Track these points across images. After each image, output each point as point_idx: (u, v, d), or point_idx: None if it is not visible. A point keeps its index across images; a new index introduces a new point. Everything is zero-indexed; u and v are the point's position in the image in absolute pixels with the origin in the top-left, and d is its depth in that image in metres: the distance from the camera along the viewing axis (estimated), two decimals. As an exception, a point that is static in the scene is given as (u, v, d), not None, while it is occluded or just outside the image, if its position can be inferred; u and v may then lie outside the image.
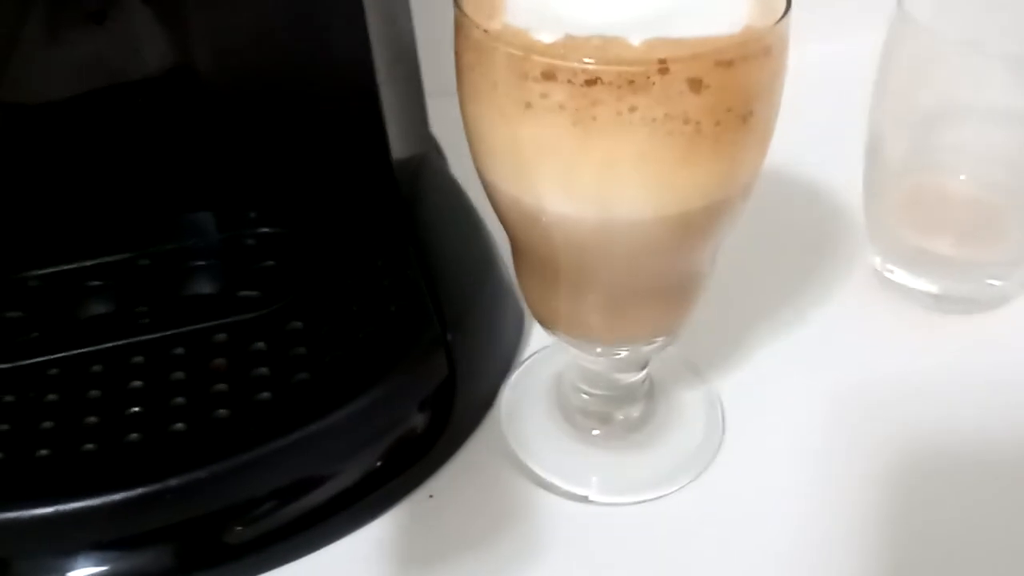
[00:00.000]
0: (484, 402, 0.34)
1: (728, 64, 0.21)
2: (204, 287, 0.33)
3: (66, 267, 0.34)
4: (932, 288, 0.37)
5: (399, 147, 0.35)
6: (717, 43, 0.22)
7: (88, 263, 0.34)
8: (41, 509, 0.26)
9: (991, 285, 0.37)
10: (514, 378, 0.35)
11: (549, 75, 0.22)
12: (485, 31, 0.23)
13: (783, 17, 0.22)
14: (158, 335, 0.31)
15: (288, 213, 0.35)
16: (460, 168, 0.39)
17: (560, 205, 0.24)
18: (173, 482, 0.27)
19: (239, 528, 0.29)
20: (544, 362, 0.35)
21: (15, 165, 0.33)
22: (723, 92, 0.22)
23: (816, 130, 0.41)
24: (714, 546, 0.29)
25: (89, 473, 0.27)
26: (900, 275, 0.38)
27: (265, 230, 0.35)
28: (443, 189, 0.39)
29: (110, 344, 0.31)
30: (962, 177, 0.36)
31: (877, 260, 0.39)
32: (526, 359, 0.36)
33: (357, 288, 0.33)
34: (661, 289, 0.27)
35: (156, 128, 0.34)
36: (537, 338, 0.36)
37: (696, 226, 0.24)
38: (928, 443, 0.32)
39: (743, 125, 0.23)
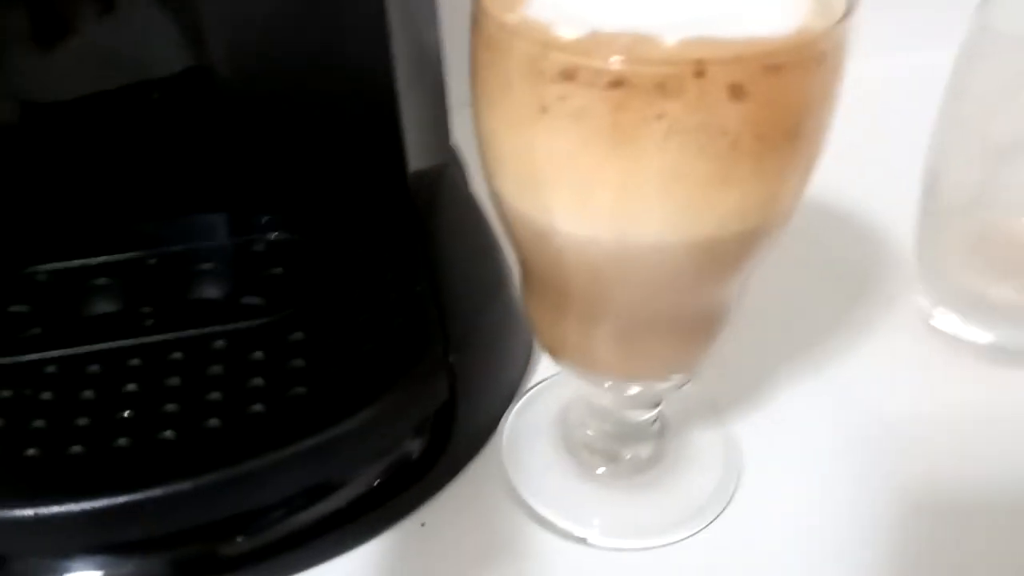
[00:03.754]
0: (485, 429, 0.31)
1: (776, 70, 0.19)
2: (210, 291, 0.32)
3: (74, 263, 0.33)
4: (986, 337, 0.34)
5: (417, 157, 0.34)
6: (764, 45, 0.19)
7: (95, 260, 0.33)
8: (23, 510, 0.25)
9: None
10: (518, 406, 0.32)
11: (568, 75, 0.19)
12: (501, 24, 0.20)
13: (843, 19, 0.19)
14: (157, 339, 0.30)
15: (300, 220, 0.34)
16: (481, 182, 0.37)
17: (573, 224, 0.21)
18: (157, 493, 0.25)
19: (222, 545, 0.27)
20: (551, 392, 0.33)
21: (29, 159, 0.33)
22: (768, 102, 0.19)
23: (867, 154, 0.38)
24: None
25: (74, 477, 0.26)
26: (950, 321, 0.35)
27: (275, 236, 0.34)
28: (460, 203, 0.38)
29: (109, 345, 0.30)
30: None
31: (925, 303, 0.36)
32: (532, 387, 0.33)
33: (363, 301, 0.31)
34: (681, 322, 0.24)
35: (170, 127, 0.33)
36: (545, 366, 0.34)
37: (726, 255, 0.22)
38: (963, 504, 0.29)
39: (788, 142, 0.20)
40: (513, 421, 0.32)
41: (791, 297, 0.37)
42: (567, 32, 0.20)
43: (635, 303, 0.23)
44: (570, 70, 0.19)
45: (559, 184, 0.21)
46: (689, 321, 0.24)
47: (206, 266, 0.33)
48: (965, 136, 0.32)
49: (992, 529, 0.28)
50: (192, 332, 0.30)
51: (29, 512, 0.25)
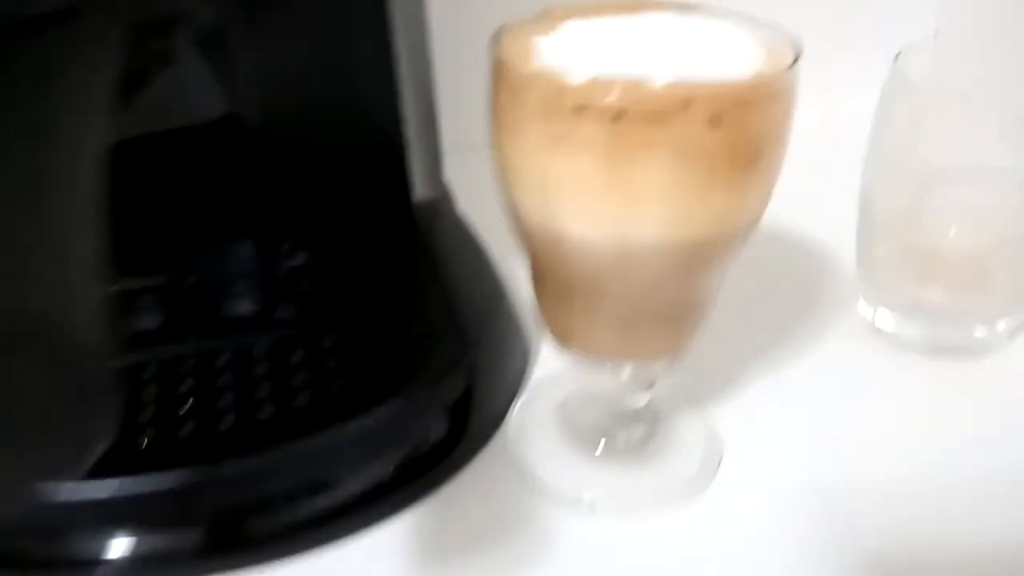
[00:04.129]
0: (496, 417, 0.36)
1: (743, 104, 0.24)
2: (246, 307, 0.36)
3: (121, 286, 0.36)
4: (920, 336, 0.39)
5: (419, 191, 0.39)
6: (734, 86, 0.24)
7: (138, 283, 0.37)
8: (101, 491, 0.29)
9: (977, 334, 0.39)
10: (524, 398, 0.37)
11: (579, 111, 0.24)
12: (521, 73, 0.25)
13: (792, 66, 0.25)
14: (207, 345, 0.34)
15: (319, 245, 0.39)
16: (470, 212, 0.43)
17: (581, 229, 0.26)
18: (219, 471, 0.30)
19: (275, 515, 0.31)
20: (552, 385, 0.37)
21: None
22: (738, 129, 0.24)
23: (812, 188, 0.44)
24: (707, 563, 0.31)
25: (147, 460, 0.30)
26: (889, 323, 0.40)
27: (299, 259, 0.39)
28: (455, 229, 0.43)
29: (164, 352, 0.34)
30: (952, 232, 0.39)
31: (868, 310, 0.41)
32: (534, 383, 0.38)
33: (383, 311, 0.36)
34: (670, 312, 0.29)
35: (207, 167, 0.37)
36: (542, 365, 0.38)
37: (706, 254, 0.27)
38: (910, 475, 0.34)
39: (754, 161, 0.25)
40: (520, 410, 0.36)
41: (756, 307, 0.42)
42: (575, 78, 0.25)
43: (632, 295, 0.28)
44: (580, 107, 0.24)
45: (571, 197, 0.26)
46: (677, 310, 0.29)
47: (241, 285, 0.37)
48: (889, 167, 0.38)
49: (938, 492, 0.33)
50: (237, 340, 0.34)
51: (110, 490, 0.29)
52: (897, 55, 0.36)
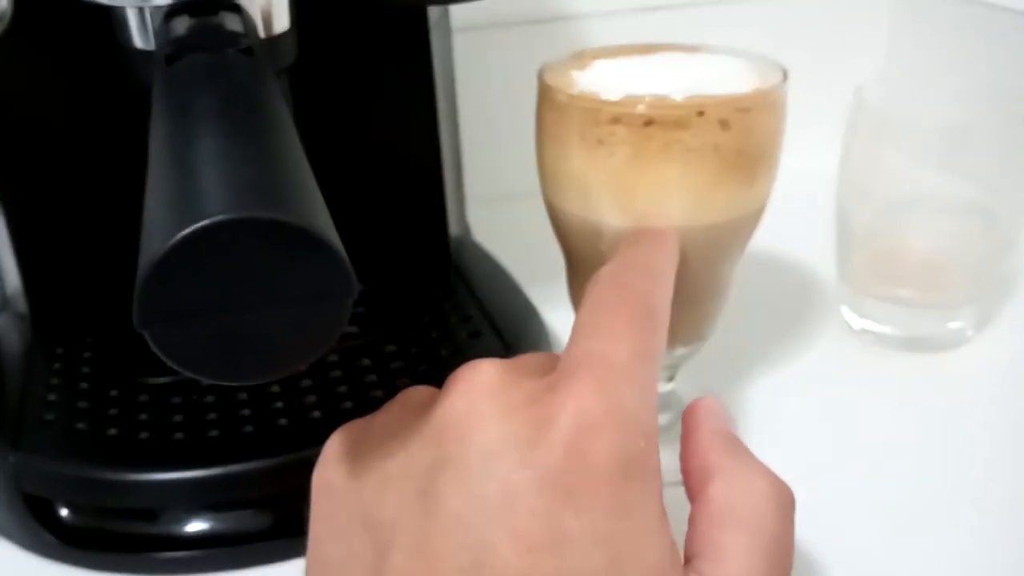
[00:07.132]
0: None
1: (746, 111, 0.30)
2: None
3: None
4: (896, 331, 0.45)
5: (451, 229, 0.46)
6: (738, 97, 0.30)
7: None
8: (213, 470, 0.33)
9: (943, 328, 0.45)
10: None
11: (616, 120, 0.30)
12: (567, 94, 0.31)
13: (780, 84, 0.31)
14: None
15: (370, 275, 0.44)
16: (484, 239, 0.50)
17: (618, 219, 0.32)
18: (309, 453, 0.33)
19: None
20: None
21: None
22: (742, 131, 0.30)
23: (795, 212, 0.51)
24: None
25: (248, 446, 0.34)
26: (868, 323, 0.46)
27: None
28: (479, 256, 0.49)
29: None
30: (915, 239, 0.45)
31: (850, 313, 0.47)
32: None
33: (431, 324, 0.41)
34: (692, 295, 0.34)
35: None
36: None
37: (722, 237, 0.32)
38: (885, 445, 0.40)
39: (757, 156, 0.31)
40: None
41: (758, 316, 0.48)
42: (611, 96, 0.31)
43: (660, 280, 0.33)
44: (617, 116, 0.30)
45: (609, 192, 0.31)
46: (698, 292, 0.34)
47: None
48: (858, 187, 0.44)
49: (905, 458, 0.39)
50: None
51: (218, 471, 0.33)
52: (857, 89, 0.43)
